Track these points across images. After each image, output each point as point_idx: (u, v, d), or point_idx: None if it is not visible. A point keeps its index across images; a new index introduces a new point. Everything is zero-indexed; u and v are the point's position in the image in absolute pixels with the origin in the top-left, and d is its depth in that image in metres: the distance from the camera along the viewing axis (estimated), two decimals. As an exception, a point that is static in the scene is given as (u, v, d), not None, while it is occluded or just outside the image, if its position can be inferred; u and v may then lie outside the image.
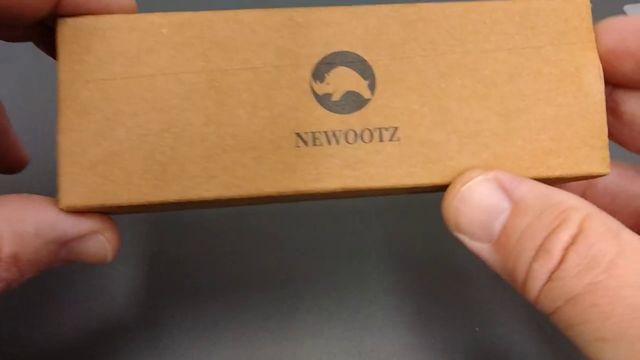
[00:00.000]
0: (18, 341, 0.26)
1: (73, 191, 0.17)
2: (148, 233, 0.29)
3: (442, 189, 0.19)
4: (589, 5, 0.19)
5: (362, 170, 0.18)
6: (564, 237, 0.16)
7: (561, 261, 0.15)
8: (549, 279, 0.16)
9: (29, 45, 0.21)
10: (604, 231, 0.15)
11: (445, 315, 0.27)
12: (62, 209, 0.17)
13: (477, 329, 0.27)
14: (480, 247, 0.17)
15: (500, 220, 0.17)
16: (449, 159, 0.18)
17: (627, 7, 0.37)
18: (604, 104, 0.19)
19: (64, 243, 0.18)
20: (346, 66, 0.18)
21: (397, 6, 0.18)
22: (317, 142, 0.18)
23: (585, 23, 0.19)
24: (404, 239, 0.30)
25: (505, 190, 0.17)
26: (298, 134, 0.18)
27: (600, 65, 0.19)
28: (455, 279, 0.29)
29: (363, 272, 0.28)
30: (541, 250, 0.16)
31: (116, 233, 0.19)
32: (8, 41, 0.19)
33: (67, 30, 0.18)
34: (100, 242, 0.19)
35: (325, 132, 0.18)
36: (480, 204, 0.17)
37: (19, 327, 0.26)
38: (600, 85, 0.19)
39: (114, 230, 0.19)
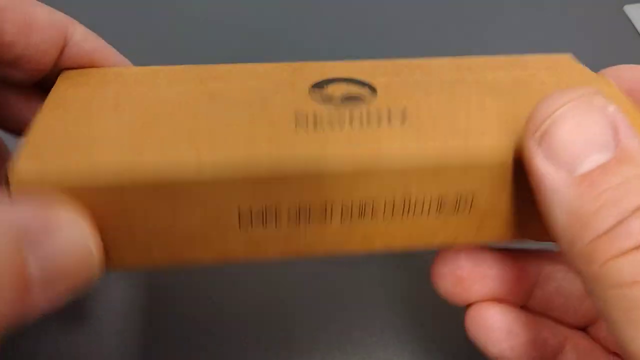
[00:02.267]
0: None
1: (30, 163, 0.14)
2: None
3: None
4: (574, 59, 0.20)
5: (372, 144, 0.15)
6: None
7: None
8: None
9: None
10: None
11: (445, 315, 0.26)
12: (15, 189, 0.14)
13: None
14: (554, 172, 0.14)
15: (596, 157, 0.14)
16: (468, 136, 0.16)
17: (627, 7, 0.36)
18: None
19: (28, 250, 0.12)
20: (346, 83, 0.18)
21: (395, 60, 0.19)
22: (319, 127, 0.16)
23: (577, 68, 0.19)
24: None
25: (616, 132, 0.14)
26: (297, 116, 0.16)
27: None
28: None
29: (362, 274, 0.28)
30: None
31: (98, 236, 0.14)
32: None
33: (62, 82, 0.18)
34: (80, 228, 0.13)
35: (327, 118, 0.16)
36: (585, 131, 0.14)
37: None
38: None
39: (95, 233, 0.14)
